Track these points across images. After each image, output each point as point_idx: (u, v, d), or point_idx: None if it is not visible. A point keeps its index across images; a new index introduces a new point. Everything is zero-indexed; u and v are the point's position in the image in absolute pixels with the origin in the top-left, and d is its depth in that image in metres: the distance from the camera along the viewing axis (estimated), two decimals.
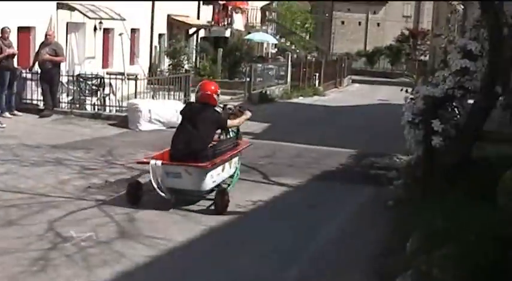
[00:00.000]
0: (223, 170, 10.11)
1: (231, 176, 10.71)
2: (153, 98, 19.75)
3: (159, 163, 9.42)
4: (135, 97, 18.85)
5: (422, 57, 68.25)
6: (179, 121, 10.60)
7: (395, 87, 43.25)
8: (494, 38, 9.82)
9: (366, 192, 11.39)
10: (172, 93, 20.55)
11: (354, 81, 52.26)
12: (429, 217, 7.53)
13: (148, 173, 9.50)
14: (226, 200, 9.48)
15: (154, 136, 16.13)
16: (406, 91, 10.69)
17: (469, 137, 10.02)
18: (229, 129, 11.02)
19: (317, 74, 36.92)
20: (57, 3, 21.89)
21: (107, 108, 19.33)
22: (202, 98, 10.21)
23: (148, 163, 9.57)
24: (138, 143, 15.01)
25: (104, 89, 19.52)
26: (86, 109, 19.19)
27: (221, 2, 36.89)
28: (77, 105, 19.31)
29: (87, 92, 19.52)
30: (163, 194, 9.42)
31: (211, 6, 36.52)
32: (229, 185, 10.51)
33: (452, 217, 7.25)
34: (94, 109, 19.24)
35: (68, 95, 19.50)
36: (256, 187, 11.16)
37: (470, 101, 10.33)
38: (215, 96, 10.23)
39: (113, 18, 23.86)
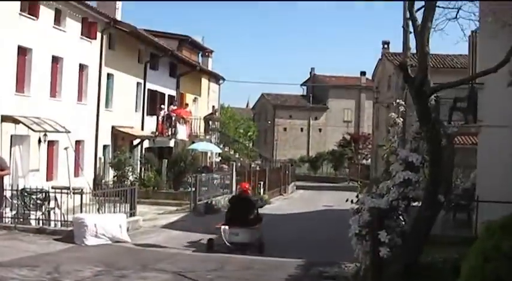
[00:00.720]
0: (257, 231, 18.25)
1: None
2: (98, 211, 19.57)
3: (227, 227, 17.51)
4: (81, 210, 18.66)
5: (364, 161, 69.31)
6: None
7: (339, 192, 43.97)
8: (433, 149, 10.19)
9: None
10: (118, 205, 20.38)
11: (298, 187, 52.58)
12: None
13: None
14: (264, 244, 17.68)
15: (101, 251, 15.97)
16: (352, 202, 10.87)
17: (415, 245, 10.21)
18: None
19: (262, 182, 37.14)
20: (1, 116, 21.91)
21: (52, 223, 19.02)
22: (243, 192, 19.47)
23: (220, 227, 17.58)
24: (85, 258, 14.76)
25: (49, 203, 19.29)
26: (30, 224, 18.80)
27: (164, 113, 37.30)
28: (21, 220, 18.96)
29: (31, 206, 19.24)
30: (228, 245, 17.12)
31: (155, 117, 36.86)
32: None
33: None
34: (39, 224, 18.89)
35: (11, 210, 19.15)
36: None
37: (415, 203, 10.57)
38: (249, 190, 20.47)
39: (57, 131, 23.92)
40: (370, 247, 9.94)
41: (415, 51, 10.86)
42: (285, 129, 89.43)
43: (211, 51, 53.46)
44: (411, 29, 10.96)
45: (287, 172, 47.63)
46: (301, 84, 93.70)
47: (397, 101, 11.57)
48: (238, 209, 18.16)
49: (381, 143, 22.24)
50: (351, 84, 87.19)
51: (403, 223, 10.44)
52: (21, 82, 23.71)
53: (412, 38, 11.26)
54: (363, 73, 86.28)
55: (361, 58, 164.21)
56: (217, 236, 17.78)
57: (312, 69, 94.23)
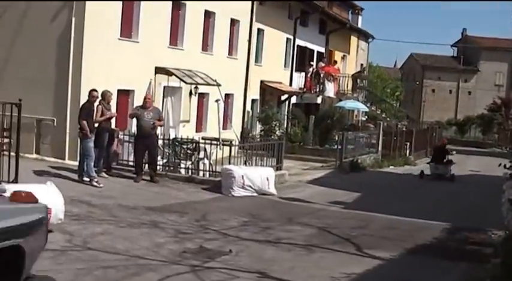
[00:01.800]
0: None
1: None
2: (245, 163, 19.92)
3: (433, 163, 27.54)
4: (229, 161, 19.05)
5: None
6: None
7: (486, 157, 42.65)
8: None
9: (460, 269, 11.14)
10: (264, 159, 20.64)
11: None
12: None
13: None
14: (454, 176, 27.11)
15: (247, 202, 16.29)
16: (505, 167, 10.52)
17: None
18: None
19: (408, 143, 36.56)
20: (155, 67, 22.59)
21: (201, 173, 19.54)
22: (442, 143, 30.48)
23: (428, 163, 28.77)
24: (232, 209, 15.12)
25: (198, 153, 19.81)
26: (180, 172, 19.40)
27: (312, 69, 37.27)
28: (172, 168, 19.59)
29: (181, 155, 19.84)
30: (428, 175, 27.00)
31: (303, 74, 36.93)
32: None
33: None
34: (188, 173, 19.44)
35: (162, 158, 19.76)
36: (350, 258, 11.07)
37: None
38: (446, 142, 31.84)
39: (208, 84, 24.40)
40: None
41: None
42: (433, 90, 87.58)
43: (361, 9, 52.77)
44: None
45: (434, 134, 46.62)
46: (452, 45, 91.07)
47: None
48: (438, 153, 28.34)
49: None
50: (504, 46, 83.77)
51: None
52: (174, 36, 24.37)
53: None
54: None
55: None
56: (423, 169, 27.66)
57: (464, 29, 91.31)
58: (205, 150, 19.93)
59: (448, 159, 28.02)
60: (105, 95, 17.56)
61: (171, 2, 23.64)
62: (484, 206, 18.73)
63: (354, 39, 48.77)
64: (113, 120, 18.47)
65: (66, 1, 19.19)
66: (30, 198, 5.65)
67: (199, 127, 26.41)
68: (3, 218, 5.02)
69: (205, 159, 19.96)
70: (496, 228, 13.45)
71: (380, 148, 32.51)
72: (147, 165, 18.38)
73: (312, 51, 39.46)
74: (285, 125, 32.81)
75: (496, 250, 11.24)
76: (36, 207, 5.73)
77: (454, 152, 31.64)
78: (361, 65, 50.42)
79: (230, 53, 29.15)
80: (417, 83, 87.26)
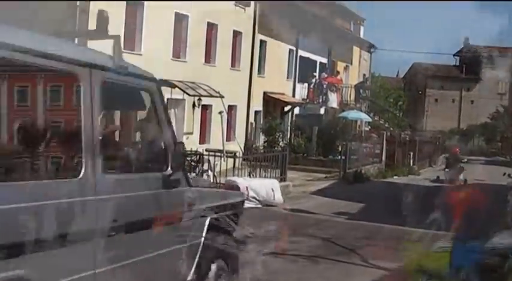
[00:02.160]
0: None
1: None
2: (249, 175, 19.91)
3: (448, 170, 30.53)
4: (233, 173, 19.04)
5: None
6: None
7: (490, 166, 42.53)
8: None
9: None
10: (268, 170, 20.63)
11: None
12: None
13: None
14: (466, 181, 29.08)
15: (251, 214, 16.15)
16: (509, 175, 10.52)
17: None
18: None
19: (411, 153, 36.54)
20: (159, 79, 22.56)
21: None
22: (453, 152, 32.83)
23: (443, 169, 31.79)
24: None
25: (202, 165, 19.80)
26: None
27: (315, 80, 37.29)
28: None
29: (185, 167, 19.77)
30: (443, 180, 29.13)
31: (306, 84, 36.93)
32: None
33: None
34: None
35: None
36: (356, 269, 11.06)
37: None
38: (458, 151, 33.45)
39: (211, 96, 24.41)
40: None
41: None
42: (436, 100, 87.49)
43: (363, 20, 52.89)
44: None
45: (437, 143, 46.62)
46: (454, 55, 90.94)
47: None
48: (452, 161, 31.46)
49: None
50: (506, 55, 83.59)
51: None
52: (177, 48, 24.39)
53: None
54: None
55: None
56: (438, 175, 30.93)
57: (466, 39, 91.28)
58: (209, 162, 19.92)
59: (460, 166, 31.09)
60: None
61: (173, 14, 23.68)
62: (490, 214, 18.69)
63: (356, 50, 48.80)
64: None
65: (69, 0, 19.16)
66: (237, 188, 8.12)
67: (202, 139, 26.40)
68: (232, 197, 8.54)
69: (209, 171, 19.93)
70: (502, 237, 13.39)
71: (384, 158, 32.51)
72: None
73: (315, 62, 39.46)
74: (289, 136, 32.80)
75: (502, 259, 11.18)
76: (240, 193, 10.43)
77: (466, 160, 33.95)
78: (364, 75, 50.39)
79: (233, 64, 29.20)
80: (420, 92, 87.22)
